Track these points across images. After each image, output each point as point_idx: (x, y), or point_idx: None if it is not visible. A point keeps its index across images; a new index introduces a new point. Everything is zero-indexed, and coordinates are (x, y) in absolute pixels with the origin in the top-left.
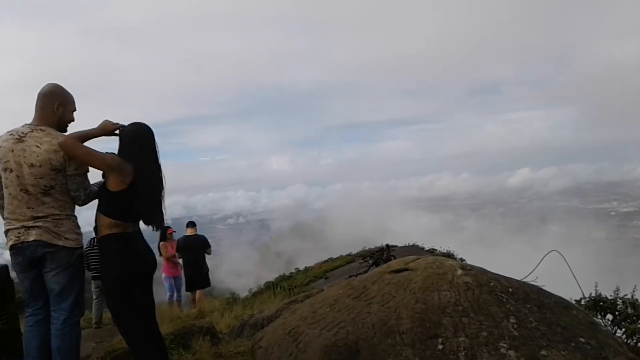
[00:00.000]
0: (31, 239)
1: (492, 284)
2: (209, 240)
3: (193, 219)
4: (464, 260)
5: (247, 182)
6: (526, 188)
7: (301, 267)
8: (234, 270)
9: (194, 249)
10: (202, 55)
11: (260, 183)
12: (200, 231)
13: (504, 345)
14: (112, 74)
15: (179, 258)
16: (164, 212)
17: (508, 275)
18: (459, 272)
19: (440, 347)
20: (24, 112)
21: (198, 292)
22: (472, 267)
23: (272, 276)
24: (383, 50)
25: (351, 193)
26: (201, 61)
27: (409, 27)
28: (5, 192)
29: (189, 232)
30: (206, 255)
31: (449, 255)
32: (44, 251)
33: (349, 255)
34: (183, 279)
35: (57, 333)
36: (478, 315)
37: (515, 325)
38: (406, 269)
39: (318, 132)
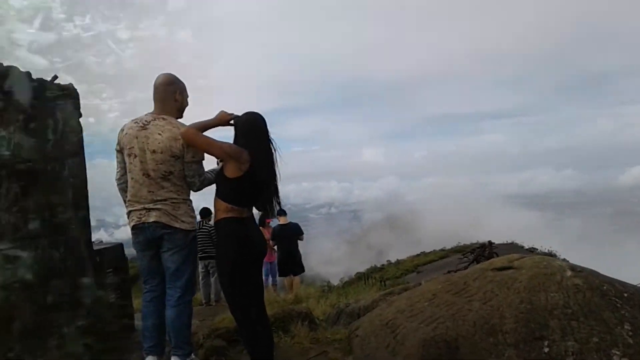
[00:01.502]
0: (151, 220)
1: (604, 287)
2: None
3: (286, 208)
4: (567, 260)
5: (339, 173)
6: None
7: (392, 260)
8: (325, 259)
9: (288, 237)
10: (294, 46)
11: (353, 174)
12: (293, 219)
13: (617, 352)
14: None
15: (274, 245)
16: (278, 198)
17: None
18: (569, 273)
19: (546, 349)
20: None
21: (295, 278)
22: (583, 269)
23: (362, 267)
24: (480, 40)
25: (444, 187)
26: (294, 52)
27: (508, 15)
28: (129, 176)
29: (282, 220)
30: (299, 242)
31: (551, 255)
32: (162, 232)
33: (442, 250)
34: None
35: (172, 309)
36: (589, 319)
37: (631, 333)
38: (510, 267)
39: (412, 124)
